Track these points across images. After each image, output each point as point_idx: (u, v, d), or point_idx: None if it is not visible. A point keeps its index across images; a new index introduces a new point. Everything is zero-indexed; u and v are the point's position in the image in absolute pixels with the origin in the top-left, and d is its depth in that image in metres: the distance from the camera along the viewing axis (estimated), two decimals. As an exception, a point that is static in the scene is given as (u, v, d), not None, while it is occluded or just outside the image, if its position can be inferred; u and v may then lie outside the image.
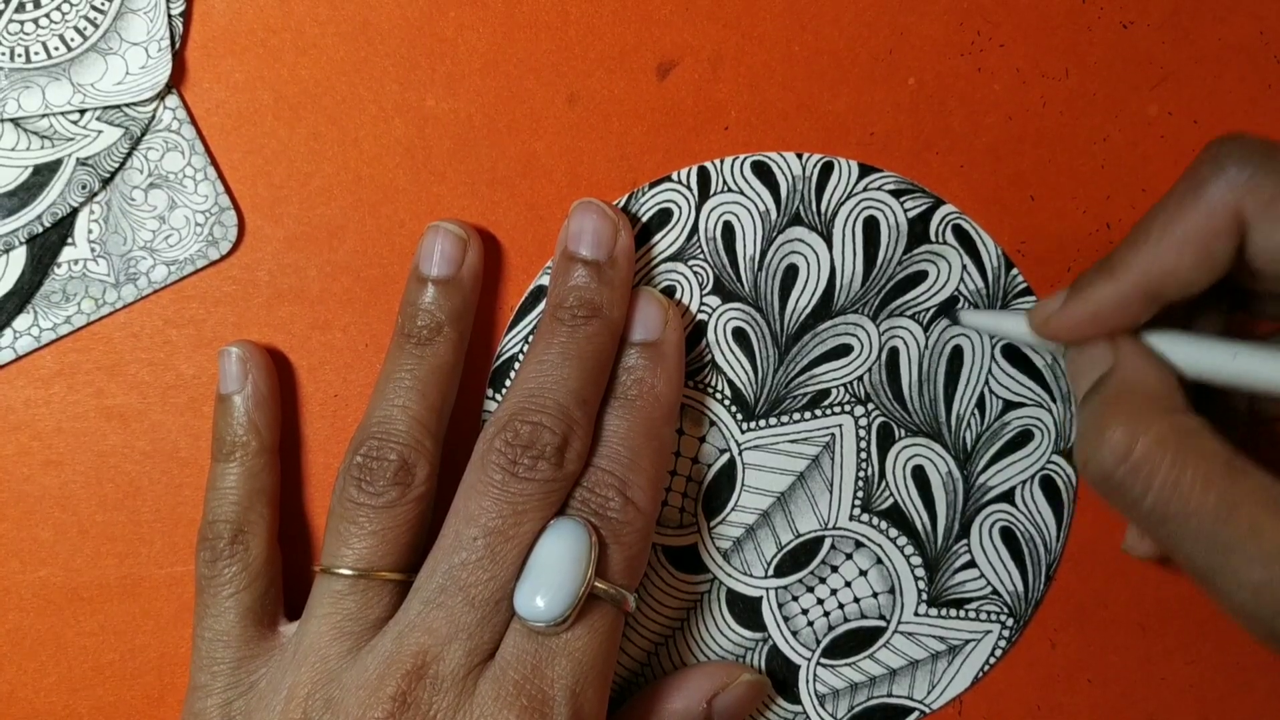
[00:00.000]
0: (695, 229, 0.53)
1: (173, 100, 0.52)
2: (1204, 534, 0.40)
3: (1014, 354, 0.53)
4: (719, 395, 0.53)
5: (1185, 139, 0.53)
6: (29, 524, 0.53)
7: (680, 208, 0.53)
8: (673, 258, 0.53)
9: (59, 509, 0.53)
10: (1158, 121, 0.53)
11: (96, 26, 0.51)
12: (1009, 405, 0.53)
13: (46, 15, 0.51)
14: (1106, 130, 0.53)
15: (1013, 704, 0.54)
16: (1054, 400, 0.53)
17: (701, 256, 0.53)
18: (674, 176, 0.53)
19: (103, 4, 0.51)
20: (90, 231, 0.51)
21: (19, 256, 0.51)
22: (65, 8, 0.51)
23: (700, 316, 0.53)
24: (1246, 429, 0.50)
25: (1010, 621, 0.53)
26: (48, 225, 0.51)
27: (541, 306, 0.52)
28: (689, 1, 0.52)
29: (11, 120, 0.51)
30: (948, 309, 0.53)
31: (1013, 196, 0.53)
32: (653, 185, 0.53)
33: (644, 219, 0.53)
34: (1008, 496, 0.53)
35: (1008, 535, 0.53)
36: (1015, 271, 0.53)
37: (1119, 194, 0.53)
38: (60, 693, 0.53)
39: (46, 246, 0.51)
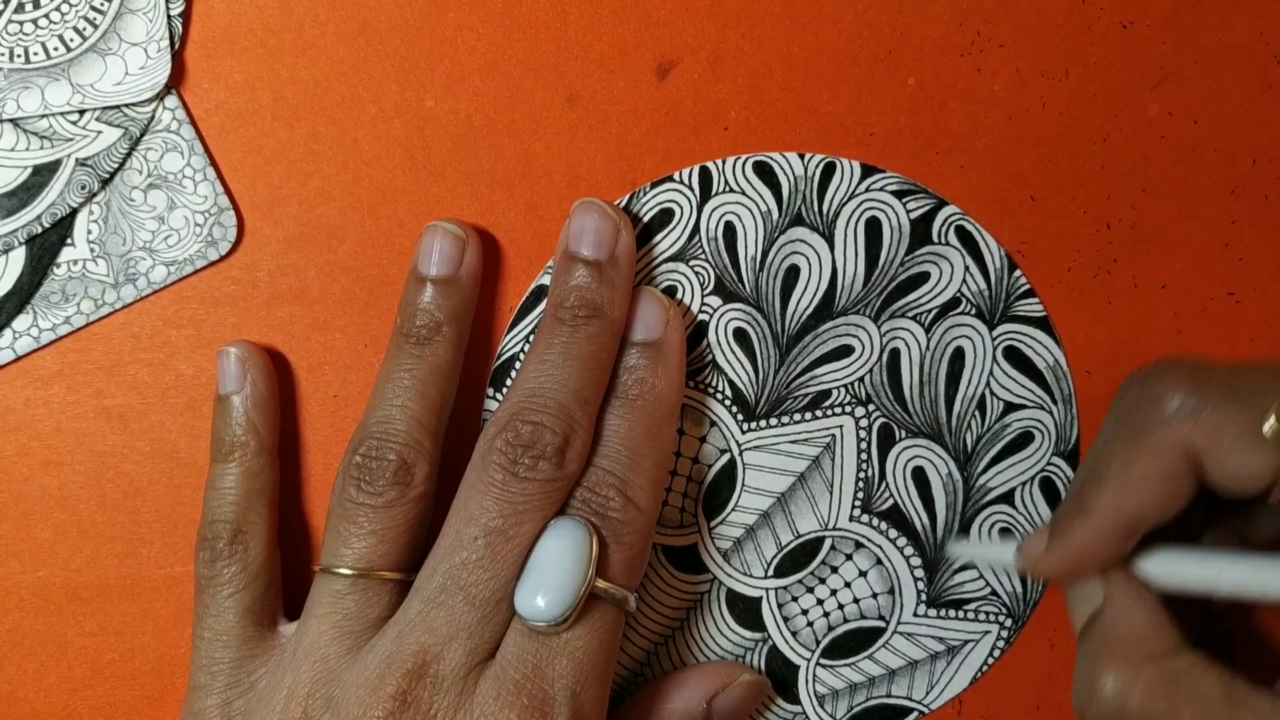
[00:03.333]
0: (697, 229, 0.53)
1: (172, 101, 0.52)
2: None
3: (1016, 356, 0.53)
4: (720, 395, 0.53)
5: (1185, 139, 0.53)
6: (29, 524, 0.53)
7: (682, 208, 0.53)
8: (674, 258, 0.53)
9: (59, 509, 0.53)
10: (1158, 121, 0.53)
11: (96, 27, 0.51)
12: (1010, 407, 0.53)
13: (46, 16, 0.51)
14: (1106, 130, 0.53)
15: (1012, 704, 0.54)
16: (1055, 402, 0.53)
17: (703, 256, 0.53)
18: (675, 177, 0.53)
19: (102, 4, 0.51)
20: (89, 232, 0.51)
21: (18, 257, 0.51)
22: (64, 8, 0.51)
23: (701, 317, 0.53)
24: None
25: (1009, 622, 0.53)
26: (47, 226, 0.51)
27: (542, 306, 0.52)
28: (689, 1, 0.52)
29: (11, 121, 0.51)
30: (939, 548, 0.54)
31: (1013, 196, 0.53)
32: (654, 185, 0.53)
33: (645, 219, 0.53)
34: (1008, 498, 0.53)
35: (1007, 536, 0.53)
36: (1018, 273, 0.53)
37: (1119, 194, 0.53)
38: (60, 693, 0.53)
39: (46, 247, 0.51)
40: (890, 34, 0.52)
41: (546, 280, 0.52)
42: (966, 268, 0.53)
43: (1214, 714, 0.41)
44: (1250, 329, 0.53)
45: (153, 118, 0.52)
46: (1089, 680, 0.44)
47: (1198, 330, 0.53)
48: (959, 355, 0.53)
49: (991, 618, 0.53)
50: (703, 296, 0.53)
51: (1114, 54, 0.52)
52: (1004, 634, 0.54)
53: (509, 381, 0.53)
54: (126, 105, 0.51)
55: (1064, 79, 0.52)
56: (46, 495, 0.53)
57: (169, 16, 0.51)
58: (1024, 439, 0.53)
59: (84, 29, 0.51)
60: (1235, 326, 0.53)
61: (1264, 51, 0.53)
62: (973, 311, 0.53)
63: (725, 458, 0.53)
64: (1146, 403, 0.44)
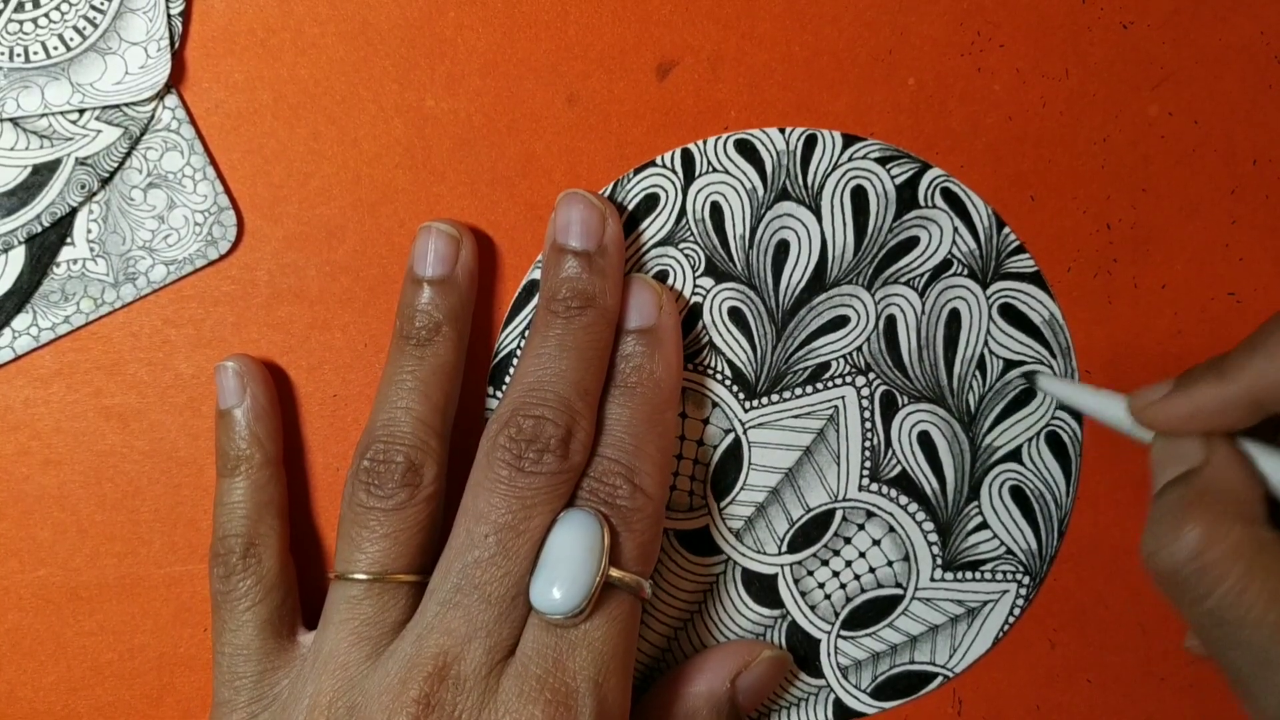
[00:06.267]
0: (683, 212, 0.53)
1: (172, 100, 0.52)
2: (1255, 646, 0.40)
3: (1011, 313, 0.53)
4: (719, 376, 0.53)
5: (1185, 139, 0.53)
6: (28, 523, 0.52)
7: (666, 191, 0.53)
8: (663, 242, 0.53)
9: (58, 508, 0.52)
10: (1158, 121, 0.53)
11: (96, 26, 0.51)
12: (1009, 364, 0.54)
13: (46, 15, 0.51)
14: (1106, 130, 0.53)
15: (1013, 704, 0.54)
16: (1054, 356, 0.53)
17: (691, 239, 0.53)
18: (658, 161, 0.53)
19: (102, 3, 0.51)
20: (89, 231, 0.51)
21: (18, 256, 0.51)
22: (64, 7, 0.51)
23: (695, 299, 0.53)
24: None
25: (1026, 580, 0.54)
26: (47, 225, 0.51)
27: (535, 301, 0.53)
28: (689, 1, 0.52)
29: (10, 120, 0.51)
30: (1027, 376, 0.54)
31: (1013, 196, 0.53)
32: (637, 171, 0.53)
33: (631, 206, 0.53)
34: (1015, 455, 0.54)
35: (1018, 494, 0.54)
36: (1007, 230, 0.53)
37: (1119, 194, 0.53)
38: (59, 692, 0.53)
39: (45, 246, 0.51)
40: (890, 34, 0.53)
41: (538, 275, 0.53)
42: (955, 229, 0.53)
43: None
44: (1250, 329, 0.53)
45: (153, 117, 0.51)
46: (1171, 527, 0.42)
47: (1198, 330, 0.54)
48: (955, 317, 0.53)
49: (1009, 576, 0.54)
50: (694, 279, 0.53)
51: (1114, 54, 0.53)
52: (1023, 592, 0.54)
53: (508, 378, 0.53)
54: (126, 104, 0.51)
55: (1064, 79, 0.53)
56: (46, 495, 0.52)
57: (169, 16, 0.51)
58: (1026, 395, 0.54)
59: (84, 28, 0.51)
60: (1235, 326, 0.54)
61: (1264, 51, 0.53)
62: (965, 272, 0.53)
63: (730, 438, 0.54)
64: None
